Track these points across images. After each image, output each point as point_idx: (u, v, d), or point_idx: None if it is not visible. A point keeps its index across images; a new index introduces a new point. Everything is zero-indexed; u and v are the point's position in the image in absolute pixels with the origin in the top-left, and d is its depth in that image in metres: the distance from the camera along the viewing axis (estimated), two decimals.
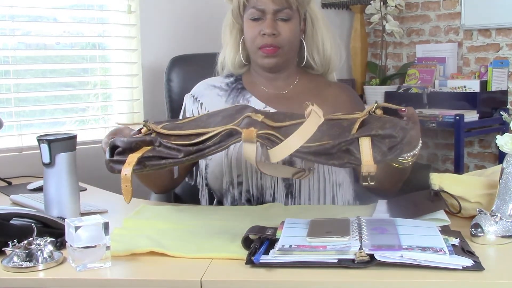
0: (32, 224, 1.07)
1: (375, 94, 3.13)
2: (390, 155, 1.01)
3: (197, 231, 1.18)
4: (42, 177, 1.32)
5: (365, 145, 0.99)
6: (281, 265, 0.96)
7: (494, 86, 2.86)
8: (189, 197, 1.78)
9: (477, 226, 1.08)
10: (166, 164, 1.04)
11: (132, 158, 1.03)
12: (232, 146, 1.12)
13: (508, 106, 2.87)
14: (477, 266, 0.94)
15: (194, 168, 1.56)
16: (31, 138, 2.04)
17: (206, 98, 1.57)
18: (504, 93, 2.91)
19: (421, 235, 1.02)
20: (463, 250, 1.00)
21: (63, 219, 1.11)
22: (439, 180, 1.26)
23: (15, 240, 1.02)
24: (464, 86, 2.88)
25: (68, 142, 1.29)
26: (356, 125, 1.08)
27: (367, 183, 0.99)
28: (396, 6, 3.13)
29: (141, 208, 1.37)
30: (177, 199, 1.87)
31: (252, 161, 1.02)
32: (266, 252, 1.00)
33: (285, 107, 1.46)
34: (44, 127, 2.22)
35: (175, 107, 2.00)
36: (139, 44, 2.42)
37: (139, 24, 2.41)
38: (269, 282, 0.94)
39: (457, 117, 2.67)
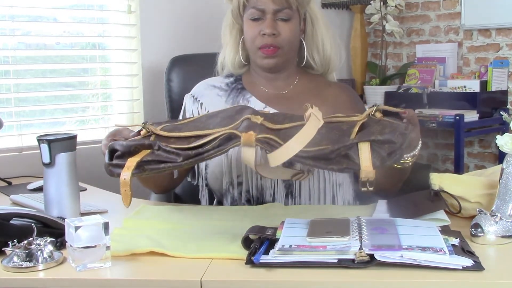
0: (32, 224, 1.07)
1: (375, 94, 3.13)
2: (389, 161, 1.01)
3: (197, 231, 1.18)
4: (42, 177, 1.32)
5: (364, 151, 0.99)
6: (281, 265, 0.96)
7: (494, 86, 2.86)
8: (189, 197, 1.78)
9: (477, 226, 1.08)
10: (165, 168, 1.04)
11: (131, 162, 1.03)
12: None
13: (508, 106, 2.87)
14: (477, 266, 0.94)
15: (195, 167, 1.56)
16: (31, 138, 2.04)
17: (206, 98, 1.57)
18: (504, 93, 2.91)
19: (421, 235, 1.02)
20: (463, 250, 1.00)
21: (63, 219, 1.11)
22: (439, 180, 1.26)
23: (15, 240, 1.02)
24: (464, 86, 2.88)
25: (68, 142, 1.29)
26: (356, 129, 1.08)
27: (366, 189, 0.99)
28: (396, 6, 3.13)
29: (141, 208, 1.37)
30: (177, 199, 1.87)
31: (251, 165, 1.02)
32: (266, 252, 1.00)
33: (285, 107, 1.46)
34: (44, 127, 2.22)
35: (175, 107, 2.00)
36: (139, 44, 2.42)
37: (139, 24, 2.41)
38: (269, 282, 0.94)
39: (457, 117, 2.67)
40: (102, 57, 2.40)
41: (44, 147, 1.27)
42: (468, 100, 2.82)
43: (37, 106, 2.23)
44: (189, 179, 1.58)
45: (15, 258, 1.01)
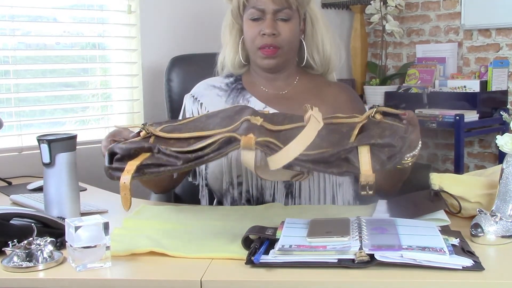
0: (32, 224, 1.07)
1: (375, 94, 3.13)
2: (389, 164, 1.00)
3: (197, 231, 1.18)
4: (42, 177, 1.32)
5: (364, 154, 0.99)
6: (281, 265, 0.96)
7: (494, 86, 2.86)
8: (189, 197, 1.78)
9: (477, 226, 1.08)
10: (165, 171, 1.04)
11: (131, 165, 1.02)
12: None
13: (508, 106, 2.87)
14: (477, 266, 0.94)
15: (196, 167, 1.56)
16: (31, 138, 2.04)
17: (206, 98, 1.57)
18: (504, 93, 2.91)
19: (421, 235, 1.02)
20: (463, 250, 1.00)
21: (63, 219, 1.11)
22: (439, 180, 1.26)
23: (15, 240, 1.02)
24: (464, 86, 2.88)
25: (68, 142, 1.29)
26: (355, 131, 1.08)
27: (365, 192, 0.98)
28: (396, 6, 3.13)
29: (141, 208, 1.37)
30: (177, 199, 1.87)
31: (251, 167, 1.01)
32: (266, 252, 1.00)
33: (285, 107, 1.46)
34: (44, 127, 2.22)
35: (175, 107, 2.00)
36: (139, 44, 2.42)
37: (139, 24, 2.41)
38: (269, 282, 0.94)
39: (457, 117, 2.67)
40: (102, 57, 2.40)
41: (44, 147, 1.27)
42: (468, 100, 2.82)
43: (37, 106, 2.23)
44: (190, 179, 1.58)
45: (15, 258, 1.01)
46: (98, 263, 1.00)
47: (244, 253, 1.00)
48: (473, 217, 1.12)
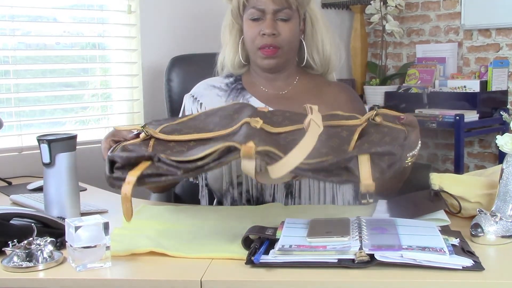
0: (32, 224, 1.07)
1: (375, 94, 3.13)
2: (388, 172, 1.00)
3: (197, 231, 1.18)
4: (42, 177, 1.32)
5: (364, 163, 0.99)
6: (281, 265, 0.96)
7: (494, 86, 2.86)
8: (189, 197, 1.78)
9: (477, 226, 1.08)
10: (165, 181, 1.04)
11: (132, 176, 1.02)
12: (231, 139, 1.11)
13: (508, 106, 2.87)
14: (477, 266, 0.94)
15: None
16: (31, 138, 2.04)
17: (206, 98, 1.57)
18: (504, 93, 2.91)
19: (421, 235, 1.02)
20: (463, 250, 1.00)
21: (63, 219, 1.11)
22: (439, 180, 1.26)
23: (15, 240, 1.02)
24: (464, 86, 2.88)
25: (68, 142, 1.29)
26: (355, 136, 1.08)
27: (366, 201, 0.98)
28: (396, 6, 3.13)
29: (141, 208, 1.37)
30: (177, 199, 1.87)
31: (252, 175, 1.01)
32: (266, 252, 1.00)
33: (285, 107, 1.45)
34: (44, 127, 2.22)
35: (175, 107, 2.01)
36: (139, 44, 2.42)
37: (139, 24, 2.41)
38: (269, 282, 0.94)
39: (457, 117, 2.67)
40: (102, 57, 2.40)
41: (44, 147, 1.27)
42: (468, 100, 2.82)
43: (37, 106, 2.23)
44: (190, 178, 1.58)
45: (15, 258, 1.01)
46: (98, 263, 1.00)
47: (244, 253, 1.00)
48: (473, 217, 1.12)
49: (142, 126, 1.15)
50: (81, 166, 1.37)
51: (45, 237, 1.04)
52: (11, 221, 1.09)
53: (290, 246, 0.99)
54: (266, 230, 1.07)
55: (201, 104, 1.57)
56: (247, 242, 1.04)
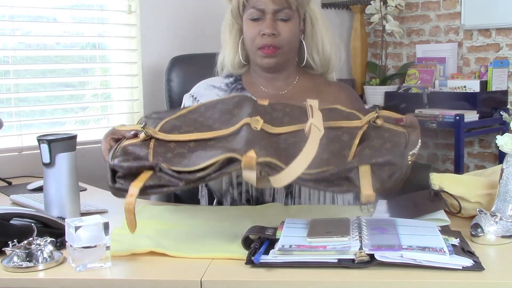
0: (32, 224, 1.07)
1: (375, 94, 3.13)
2: (389, 183, 1.02)
3: (197, 231, 1.18)
4: (42, 177, 1.32)
5: (365, 174, 1.00)
6: (281, 265, 0.96)
7: (494, 86, 2.86)
8: (189, 197, 1.78)
9: (477, 226, 1.08)
10: (167, 191, 1.05)
11: (135, 188, 1.02)
12: (231, 143, 1.11)
13: (508, 106, 2.87)
14: (477, 266, 0.94)
15: None
16: (31, 138, 2.04)
17: (206, 98, 1.57)
18: (504, 93, 2.91)
19: (421, 235, 1.02)
20: (463, 250, 1.00)
21: (63, 219, 1.11)
22: (439, 180, 1.26)
23: (15, 240, 1.02)
24: (464, 86, 2.88)
25: (68, 142, 1.29)
26: (356, 141, 1.08)
27: (366, 210, 0.99)
28: (396, 6, 3.13)
29: (141, 208, 1.37)
30: (177, 199, 1.87)
31: (253, 183, 1.02)
32: (266, 252, 1.00)
33: None
34: (44, 127, 2.22)
35: (175, 107, 2.00)
36: (139, 44, 2.42)
37: (139, 24, 2.41)
38: (269, 282, 0.94)
39: (457, 117, 2.67)
40: (102, 57, 2.40)
41: (44, 147, 1.27)
42: (468, 100, 2.82)
43: (37, 106, 2.23)
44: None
45: (15, 258, 1.01)
46: (98, 263, 1.00)
47: (244, 253, 1.00)
48: (473, 217, 1.12)
49: (142, 127, 1.15)
50: (81, 166, 1.37)
51: (45, 237, 1.04)
52: (11, 221, 1.09)
53: (290, 246, 0.99)
54: (266, 230, 1.07)
55: None
56: (247, 242, 1.04)
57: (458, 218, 1.23)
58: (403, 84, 3.14)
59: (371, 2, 3.15)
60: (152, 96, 2.42)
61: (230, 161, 1.02)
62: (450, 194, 1.23)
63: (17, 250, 1.01)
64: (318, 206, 1.45)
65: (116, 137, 1.19)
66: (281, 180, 0.99)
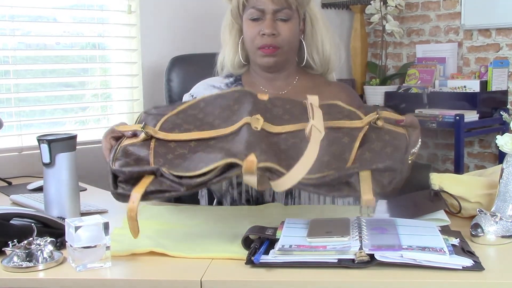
0: (32, 224, 1.07)
1: (375, 94, 3.13)
2: (389, 188, 1.03)
3: (197, 231, 1.18)
4: (42, 177, 1.32)
5: (365, 180, 1.01)
6: (281, 265, 0.96)
7: (494, 86, 2.86)
8: (189, 197, 1.77)
9: (477, 226, 1.08)
10: (169, 197, 1.05)
11: (137, 193, 1.02)
12: (231, 145, 1.11)
13: (508, 106, 2.87)
14: (477, 266, 0.94)
15: None
16: (31, 138, 2.04)
17: None
18: (504, 93, 2.91)
19: (421, 235, 1.02)
20: (463, 250, 1.00)
21: (63, 219, 1.11)
22: (439, 180, 1.26)
23: (15, 240, 1.02)
24: (464, 86, 2.88)
25: (68, 142, 1.29)
26: (357, 144, 1.08)
27: (366, 215, 1.00)
28: (396, 6, 3.13)
29: (141, 208, 1.36)
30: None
31: (254, 186, 1.02)
32: (266, 252, 1.00)
33: None
34: (44, 127, 2.22)
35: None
36: (139, 44, 2.42)
37: (139, 24, 2.41)
38: (269, 282, 0.94)
39: (457, 117, 2.67)
40: (102, 57, 2.40)
41: (44, 147, 1.27)
42: (468, 100, 2.82)
43: (37, 106, 2.23)
44: None
45: (15, 258, 1.01)
46: (98, 263, 1.00)
47: (244, 253, 1.00)
48: (473, 217, 1.12)
49: (142, 127, 1.15)
50: (81, 166, 1.37)
51: (45, 237, 1.04)
52: (11, 221, 1.09)
53: (290, 246, 0.99)
54: (266, 230, 1.07)
55: None
56: (247, 242, 1.04)
57: (458, 218, 1.23)
58: (403, 84, 3.14)
59: (371, 2, 3.15)
60: (152, 96, 2.42)
61: (231, 166, 1.02)
62: (450, 194, 1.23)
63: (17, 250, 1.01)
64: (318, 206, 1.45)
65: (115, 135, 1.19)
66: (282, 185, 0.99)
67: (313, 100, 1.17)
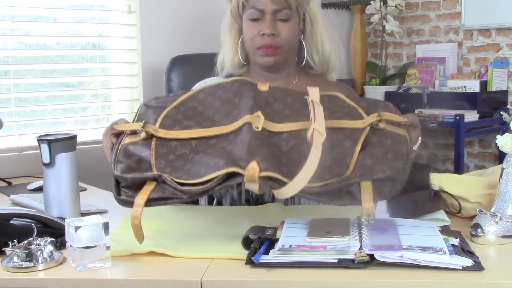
0: (32, 224, 1.07)
1: (375, 94, 3.13)
2: (389, 196, 1.04)
3: (197, 231, 1.18)
4: (42, 177, 1.32)
5: (366, 190, 1.02)
6: (281, 265, 0.96)
7: (494, 86, 2.86)
8: None
9: (477, 226, 1.08)
10: (172, 203, 1.05)
11: (141, 200, 1.03)
12: (232, 147, 1.11)
13: (508, 106, 2.87)
14: (477, 266, 0.94)
15: None
16: (31, 138, 2.04)
17: None
18: (504, 93, 2.91)
19: (421, 235, 1.02)
20: (463, 250, 1.00)
21: (63, 219, 1.11)
22: (439, 180, 1.26)
23: (15, 240, 1.02)
24: (464, 86, 2.88)
25: (68, 142, 1.29)
26: (358, 148, 1.09)
27: (367, 222, 1.01)
28: (396, 6, 3.13)
29: None
30: None
31: (256, 191, 1.03)
32: (266, 252, 1.00)
33: None
34: (44, 127, 2.22)
35: None
36: (139, 44, 2.42)
37: (139, 24, 2.41)
38: (269, 282, 0.94)
39: (457, 117, 2.67)
40: (102, 57, 2.40)
41: (44, 147, 1.27)
42: (468, 100, 2.82)
43: (37, 106, 2.23)
44: None
45: (15, 258, 1.01)
46: (98, 263, 1.00)
47: (244, 253, 1.00)
48: (473, 217, 1.12)
49: (142, 127, 1.14)
50: (81, 166, 1.37)
51: (45, 237, 1.04)
52: (11, 221, 1.09)
53: (290, 246, 0.99)
54: (266, 230, 1.07)
55: None
56: (247, 242, 1.04)
57: (458, 218, 1.23)
58: (403, 84, 3.14)
59: (371, 2, 3.15)
60: (152, 96, 2.40)
61: (233, 174, 1.02)
62: (450, 194, 1.23)
63: (17, 250, 1.01)
64: (318, 206, 1.45)
65: (116, 132, 1.19)
66: (284, 194, 1.00)
67: (314, 94, 1.16)
